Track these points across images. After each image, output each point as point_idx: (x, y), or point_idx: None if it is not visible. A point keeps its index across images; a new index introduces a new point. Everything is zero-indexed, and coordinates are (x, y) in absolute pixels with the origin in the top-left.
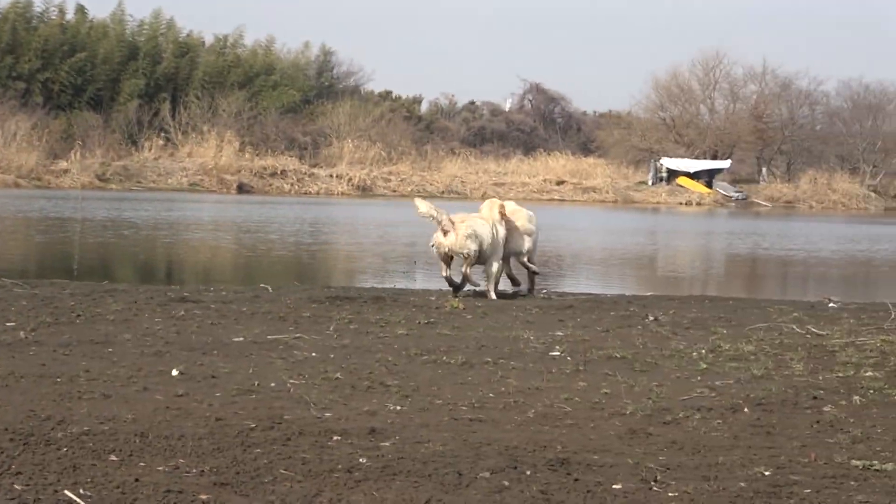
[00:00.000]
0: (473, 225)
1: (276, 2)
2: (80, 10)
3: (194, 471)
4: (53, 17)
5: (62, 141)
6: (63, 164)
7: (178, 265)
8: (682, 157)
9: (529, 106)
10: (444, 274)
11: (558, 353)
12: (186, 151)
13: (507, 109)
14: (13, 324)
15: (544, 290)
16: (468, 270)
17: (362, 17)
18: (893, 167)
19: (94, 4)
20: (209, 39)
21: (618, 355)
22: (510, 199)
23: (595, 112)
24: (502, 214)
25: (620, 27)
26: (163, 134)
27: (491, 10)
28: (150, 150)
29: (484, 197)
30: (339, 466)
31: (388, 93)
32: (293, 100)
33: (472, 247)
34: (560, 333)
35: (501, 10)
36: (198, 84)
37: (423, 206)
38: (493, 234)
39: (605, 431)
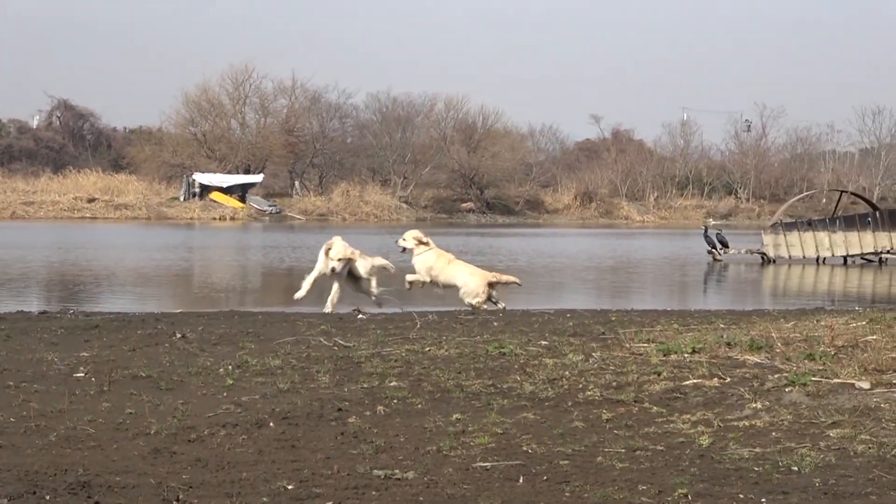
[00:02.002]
0: None
1: None
2: None
3: None
4: None
5: None
6: None
7: None
8: (214, 172)
9: (58, 123)
10: None
11: (83, 375)
12: None
13: (34, 126)
14: None
15: (71, 310)
16: None
17: None
18: (423, 178)
19: None
20: None
21: (143, 374)
22: (40, 217)
23: (126, 128)
24: None
25: (152, 41)
26: None
27: (7, 20)
28: None
29: (13, 216)
30: None
31: None
32: None
33: None
34: (85, 354)
35: (21, 20)
36: None
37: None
38: None
39: (129, 452)
